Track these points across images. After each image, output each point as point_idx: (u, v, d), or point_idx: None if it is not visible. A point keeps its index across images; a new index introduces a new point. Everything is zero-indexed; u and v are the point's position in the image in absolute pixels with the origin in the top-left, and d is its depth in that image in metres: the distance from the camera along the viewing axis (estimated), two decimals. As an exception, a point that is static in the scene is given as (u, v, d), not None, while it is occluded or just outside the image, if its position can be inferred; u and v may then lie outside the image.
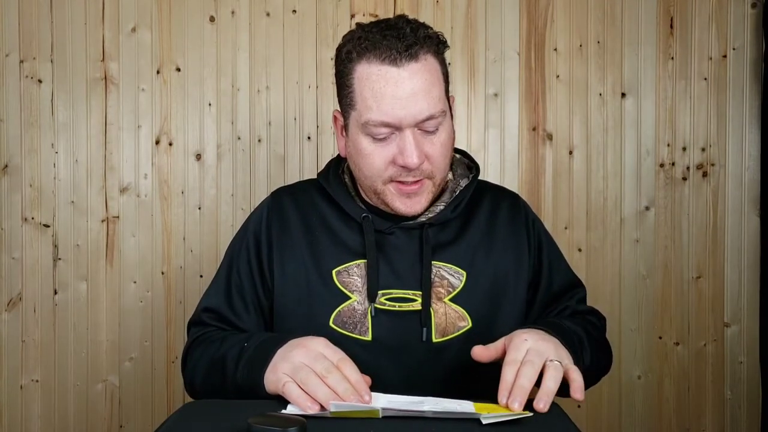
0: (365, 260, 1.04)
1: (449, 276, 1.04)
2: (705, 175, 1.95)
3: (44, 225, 1.92)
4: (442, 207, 1.08)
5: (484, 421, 0.77)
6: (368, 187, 1.05)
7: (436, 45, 1.01)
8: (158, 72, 1.93)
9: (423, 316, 1.02)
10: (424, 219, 1.06)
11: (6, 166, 1.92)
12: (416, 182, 1.01)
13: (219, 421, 0.83)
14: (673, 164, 1.95)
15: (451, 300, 1.04)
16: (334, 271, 1.04)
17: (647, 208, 1.95)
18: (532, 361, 0.83)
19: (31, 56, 1.91)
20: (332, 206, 1.10)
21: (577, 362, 0.89)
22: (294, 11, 1.94)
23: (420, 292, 1.02)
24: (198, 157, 1.94)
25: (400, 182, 1.00)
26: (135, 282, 1.94)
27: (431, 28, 1.03)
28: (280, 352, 0.90)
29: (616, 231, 1.95)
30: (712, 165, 1.95)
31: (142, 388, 1.95)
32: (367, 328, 1.02)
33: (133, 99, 1.93)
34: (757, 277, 1.94)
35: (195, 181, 1.94)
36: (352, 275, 1.04)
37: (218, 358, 0.97)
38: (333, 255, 1.05)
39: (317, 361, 0.85)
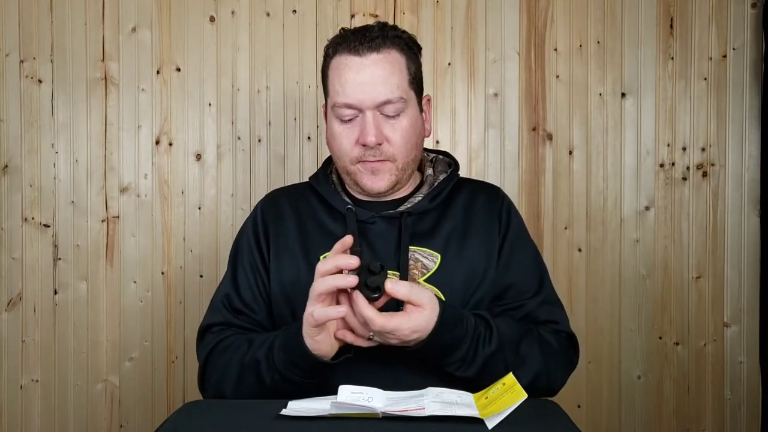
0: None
1: (423, 259, 1.13)
2: (705, 175, 1.95)
3: (44, 225, 1.92)
4: (420, 198, 1.18)
5: (490, 425, 0.77)
6: (342, 168, 1.17)
7: (404, 43, 1.14)
8: (158, 72, 1.93)
9: None
10: (402, 209, 1.16)
11: (6, 166, 1.92)
12: (379, 161, 1.12)
13: (219, 421, 0.83)
14: (673, 164, 1.95)
15: (426, 281, 1.11)
16: (321, 257, 1.13)
17: (647, 208, 1.95)
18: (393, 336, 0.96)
19: (31, 56, 1.92)
20: (321, 202, 1.21)
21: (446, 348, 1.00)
22: (294, 11, 1.94)
23: (398, 273, 1.11)
24: (198, 157, 1.94)
25: (365, 161, 1.12)
26: (135, 282, 1.94)
27: (405, 33, 1.16)
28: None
29: (616, 231, 1.95)
30: (712, 165, 1.95)
31: (142, 388, 1.95)
32: None
33: (133, 99, 1.93)
34: (757, 277, 1.94)
35: (195, 181, 1.94)
36: None
37: (250, 360, 1.04)
38: (321, 243, 1.15)
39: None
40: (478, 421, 0.78)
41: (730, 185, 1.95)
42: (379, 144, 1.10)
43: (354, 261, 0.92)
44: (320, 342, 0.96)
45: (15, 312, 1.93)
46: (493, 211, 1.20)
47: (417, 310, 0.95)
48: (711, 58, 1.95)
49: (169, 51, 1.93)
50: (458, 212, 1.18)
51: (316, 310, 0.93)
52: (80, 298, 1.93)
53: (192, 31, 1.93)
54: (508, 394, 0.82)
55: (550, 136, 1.95)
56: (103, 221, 1.93)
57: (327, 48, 1.17)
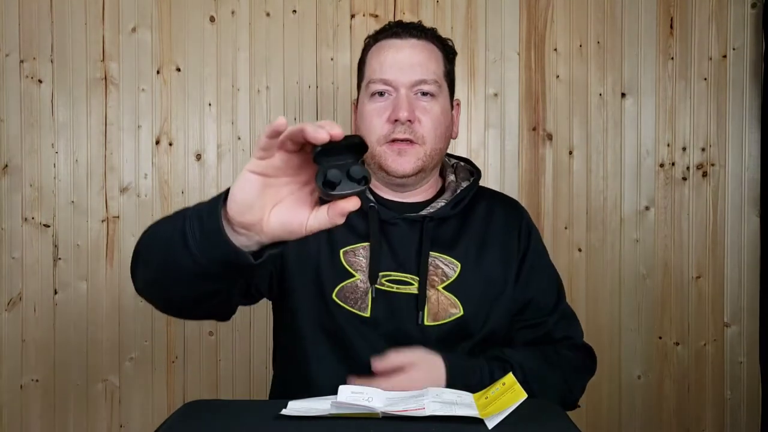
0: (370, 243, 1.13)
1: (444, 266, 1.13)
2: (705, 175, 1.95)
3: (44, 225, 1.92)
4: (442, 204, 1.16)
5: (490, 425, 0.77)
6: (369, 154, 1.16)
7: (441, 43, 1.19)
8: (158, 72, 1.93)
9: (419, 300, 1.10)
10: (425, 213, 1.15)
11: (6, 166, 1.92)
12: (407, 141, 1.12)
13: (219, 421, 0.83)
14: (673, 164, 1.95)
15: (444, 288, 1.11)
16: (342, 251, 1.12)
17: (647, 208, 1.95)
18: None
19: (32, 56, 1.91)
20: None
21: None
22: (294, 11, 1.94)
23: (417, 278, 1.11)
24: (198, 157, 1.94)
25: (393, 141, 1.12)
26: (135, 282, 1.93)
27: (446, 38, 1.22)
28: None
29: (616, 231, 1.95)
30: (712, 165, 1.95)
31: (142, 388, 1.95)
32: (367, 305, 1.10)
33: (133, 99, 1.93)
34: (757, 276, 1.94)
35: (195, 181, 1.94)
36: (357, 256, 1.12)
37: (164, 232, 0.85)
38: (343, 236, 1.13)
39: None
40: (478, 421, 0.78)
41: (730, 185, 1.95)
42: (410, 121, 1.11)
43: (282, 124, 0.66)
44: (251, 198, 0.70)
45: (15, 312, 1.93)
46: (513, 225, 1.20)
47: (413, 368, 0.97)
48: (711, 58, 1.95)
49: (169, 51, 1.93)
50: (478, 222, 1.18)
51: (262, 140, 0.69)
52: (80, 297, 1.93)
53: (192, 31, 1.93)
54: (508, 394, 0.82)
55: (550, 136, 1.95)
56: (103, 221, 1.93)
57: (367, 38, 1.21)
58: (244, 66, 1.94)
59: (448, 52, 1.20)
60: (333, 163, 0.66)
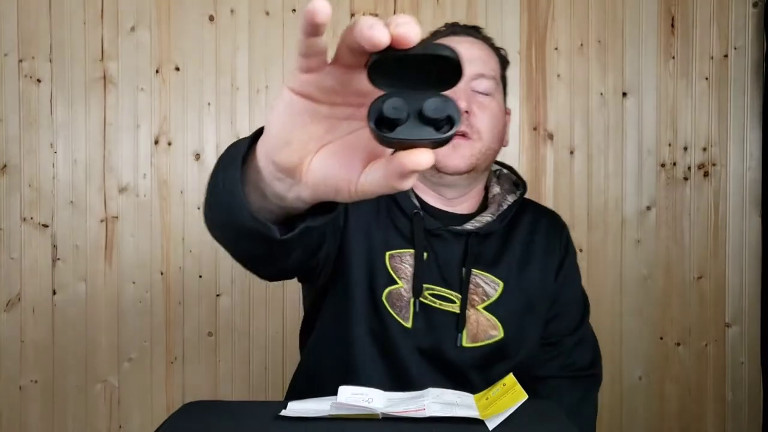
0: (414, 252, 1.09)
1: (485, 285, 1.08)
2: (706, 175, 1.95)
3: (43, 225, 1.92)
4: (489, 218, 1.11)
5: (491, 426, 0.77)
6: None
7: (497, 50, 1.14)
8: (157, 71, 1.93)
9: (459, 321, 1.06)
10: (471, 227, 1.09)
11: (5, 166, 1.91)
12: (462, 135, 1.05)
13: (218, 422, 0.82)
14: (674, 164, 1.95)
15: (484, 308, 1.08)
16: (387, 254, 1.07)
17: (648, 208, 1.95)
18: None
19: (30, 56, 1.91)
20: (392, 198, 1.12)
21: None
22: (293, 10, 1.93)
23: (459, 295, 1.07)
24: (197, 156, 1.93)
25: None
26: (134, 283, 1.93)
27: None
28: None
29: (617, 231, 1.95)
30: (714, 165, 1.95)
31: (141, 389, 1.94)
32: (409, 316, 1.06)
33: (132, 99, 1.92)
34: (759, 277, 1.93)
35: (194, 181, 1.93)
36: (403, 262, 1.07)
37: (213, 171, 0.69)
38: (391, 238, 1.08)
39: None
40: (478, 422, 0.77)
41: (731, 185, 1.95)
42: (467, 113, 1.04)
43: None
44: (290, 133, 0.49)
45: (14, 312, 1.92)
46: (555, 241, 1.16)
47: None
48: (712, 58, 1.94)
49: (168, 50, 1.93)
50: (521, 237, 1.14)
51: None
52: (79, 298, 1.93)
53: (191, 30, 1.93)
54: (508, 395, 0.81)
55: (551, 136, 1.94)
56: (102, 221, 1.92)
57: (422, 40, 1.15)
58: (244, 65, 1.93)
59: (502, 59, 1.15)
60: (397, 89, 0.43)
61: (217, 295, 1.93)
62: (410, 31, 0.41)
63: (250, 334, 1.94)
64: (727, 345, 1.95)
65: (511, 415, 0.78)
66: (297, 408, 0.83)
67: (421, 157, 0.42)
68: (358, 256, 1.06)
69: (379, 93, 0.43)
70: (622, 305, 1.95)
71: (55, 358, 1.93)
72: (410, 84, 0.43)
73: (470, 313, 1.07)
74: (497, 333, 1.07)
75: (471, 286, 1.07)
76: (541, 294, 1.12)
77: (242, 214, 0.59)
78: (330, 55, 0.45)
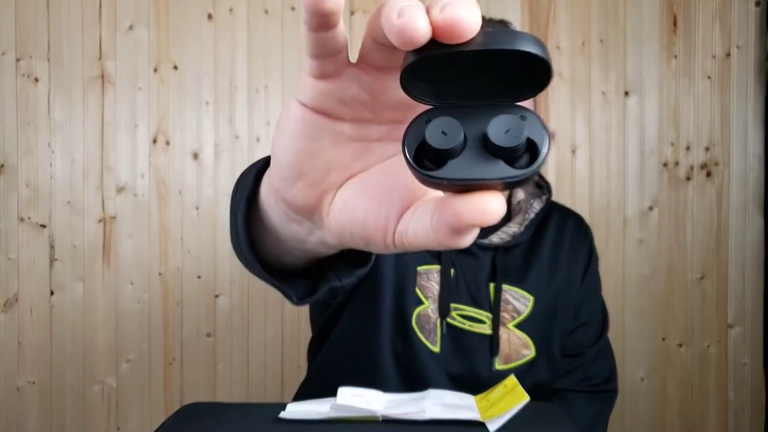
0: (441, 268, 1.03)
1: (514, 301, 1.04)
2: (709, 174, 1.94)
3: (41, 225, 1.91)
4: (516, 229, 1.06)
5: (492, 428, 0.76)
6: None
7: None
8: (155, 70, 1.91)
9: (493, 345, 1.02)
10: (497, 240, 1.04)
11: (2, 165, 1.90)
12: None
13: (216, 424, 0.81)
14: (677, 164, 1.94)
15: (515, 326, 1.03)
16: (418, 268, 1.01)
17: (651, 208, 1.94)
18: None
19: (28, 55, 1.90)
20: None
21: None
22: (293, 8, 1.92)
23: (490, 315, 1.02)
24: (195, 156, 1.92)
25: None
26: (132, 283, 1.92)
27: None
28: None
29: (619, 231, 1.94)
30: (716, 164, 1.94)
31: (139, 391, 1.93)
32: (437, 340, 1.01)
33: (130, 98, 1.91)
34: (761, 277, 1.92)
35: (192, 180, 1.92)
36: (430, 280, 1.02)
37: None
38: (418, 254, 1.02)
39: None
40: (479, 425, 0.76)
41: (734, 185, 1.93)
42: None
43: None
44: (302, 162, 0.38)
45: (11, 313, 1.91)
46: (580, 247, 1.11)
47: None
48: (715, 57, 1.93)
49: (167, 49, 1.91)
50: (548, 245, 1.08)
51: None
52: (77, 299, 1.91)
53: (189, 28, 1.92)
54: (510, 396, 0.80)
55: (552, 135, 1.93)
56: (99, 221, 1.91)
57: None
58: (242, 64, 1.92)
59: None
60: (447, 103, 0.31)
61: (216, 296, 1.92)
62: (464, 16, 0.27)
63: (248, 335, 1.92)
64: (729, 346, 1.94)
65: (512, 417, 0.77)
66: (296, 410, 0.82)
67: (488, 204, 0.29)
68: (388, 269, 1.00)
69: (422, 108, 0.31)
70: (624, 306, 1.94)
71: (53, 360, 1.92)
72: (467, 94, 0.30)
73: (502, 332, 1.02)
74: (529, 352, 1.03)
75: (501, 303, 1.03)
76: (566, 304, 1.08)
77: (256, 269, 0.52)
78: (353, 54, 0.33)
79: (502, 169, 0.29)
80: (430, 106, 0.31)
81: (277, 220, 0.44)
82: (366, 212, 0.36)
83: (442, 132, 0.29)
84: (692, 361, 1.94)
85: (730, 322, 1.94)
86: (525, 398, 0.78)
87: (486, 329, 1.02)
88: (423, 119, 0.30)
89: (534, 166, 0.29)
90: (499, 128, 0.28)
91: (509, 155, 0.29)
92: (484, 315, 1.02)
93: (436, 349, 1.01)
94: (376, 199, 0.36)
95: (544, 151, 0.29)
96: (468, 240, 0.31)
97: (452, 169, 0.29)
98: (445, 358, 1.01)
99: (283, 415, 0.81)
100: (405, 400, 0.86)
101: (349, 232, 0.37)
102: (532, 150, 0.29)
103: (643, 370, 1.94)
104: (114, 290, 1.92)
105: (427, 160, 0.30)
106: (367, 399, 0.82)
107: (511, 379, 0.83)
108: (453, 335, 1.01)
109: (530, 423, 0.79)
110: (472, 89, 0.30)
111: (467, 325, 1.02)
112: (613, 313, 1.92)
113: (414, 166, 0.29)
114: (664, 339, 1.94)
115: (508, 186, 0.29)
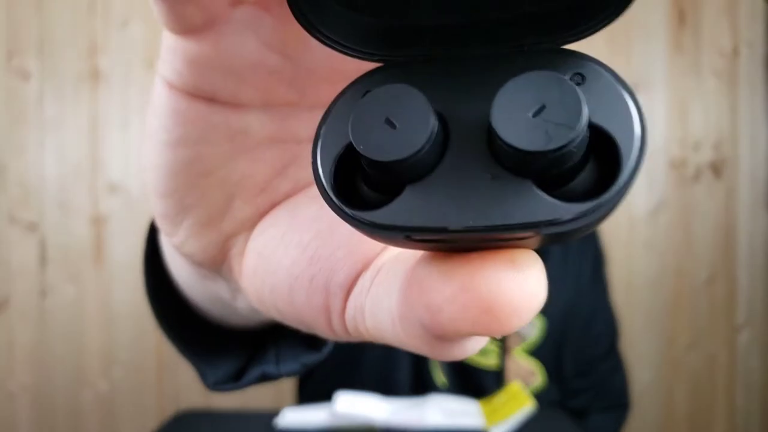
0: None
1: None
2: (717, 173, 1.91)
3: (31, 225, 1.87)
4: None
5: None
6: None
7: None
8: (150, 67, 1.88)
9: (500, 380, 0.93)
10: None
11: (-8, 164, 1.87)
12: None
13: (210, 431, 0.79)
14: (684, 163, 1.91)
15: (523, 351, 0.96)
16: None
17: (658, 209, 1.91)
18: None
19: (19, 50, 1.86)
20: None
21: None
22: (291, 4, 1.89)
23: (500, 343, 0.94)
24: (191, 154, 1.89)
25: None
26: (125, 284, 1.88)
27: None
28: None
29: (626, 232, 1.91)
30: (725, 163, 1.91)
31: (131, 395, 1.90)
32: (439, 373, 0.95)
33: (123, 95, 1.88)
34: (771, 279, 1.90)
35: (188, 179, 1.89)
36: None
37: None
38: None
39: None
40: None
41: (743, 184, 1.91)
42: None
43: None
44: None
45: (2, 315, 1.88)
46: (588, 247, 1.04)
47: None
48: (723, 53, 1.91)
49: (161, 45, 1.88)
50: (557, 254, 1.00)
51: None
52: (68, 300, 1.88)
53: (185, 24, 1.89)
54: (513, 401, 0.79)
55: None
56: (92, 221, 1.88)
57: None
58: (239, 60, 1.89)
59: None
60: (406, 56, 0.15)
61: (212, 298, 1.88)
62: None
63: (245, 338, 1.89)
64: (738, 349, 1.91)
65: (518, 426, 0.75)
66: (292, 418, 0.80)
67: (502, 288, 0.14)
68: None
69: (367, 67, 0.15)
70: (630, 308, 1.91)
71: (45, 363, 1.88)
72: (449, 32, 0.16)
73: (508, 362, 0.95)
74: (537, 379, 0.96)
75: None
76: (576, 319, 1.00)
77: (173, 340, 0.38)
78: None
79: (531, 203, 0.13)
80: (376, 63, 0.15)
81: (185, 276, 0.29)
82: (292, 278, 0.21)
83: (387, 121, 0.13)
84: (700, 364, 1.92)
85: (739, 325, 1.91)
86: (528, 402, 0.77)
87: (491, 361, 0.95)
88: (356, 94, 0.15)
89: (612, 192, 0.14)
90: (519, 107, 0.13)
91: (547, 168, 0.14)
92: (489, 346, 0.94)
93: (443, 379, 0.95)
94: (309, 251, 0.20)
95: (633, 154, 0.14)
96: (465, 350, 0.18)
97: (417, 204, 0.14)
98: (452, 390, 0.94)
99: (280, 424, 0.78)
100: (406, 407, 0.83)
101: (273, 307, 0.22)
102: (600, 152, 0.15)
103: (650, 373, 1.91)
104: (106, 292, 1.88)
105: (365, 184, 0.15)
106: (367, 405, 0.79)
107: (515, 384, 0.81)
108: (455, 371, 0.94)
109: (536, 430, 0.78)
110: (458, 20, 0.15)
111: (472, 361, 0.94)
112: (619, 315, 1.89)
113: (331, 198, 0.14)
114: (671, 342, 1.91)
115: (551, 239, 0.14)
